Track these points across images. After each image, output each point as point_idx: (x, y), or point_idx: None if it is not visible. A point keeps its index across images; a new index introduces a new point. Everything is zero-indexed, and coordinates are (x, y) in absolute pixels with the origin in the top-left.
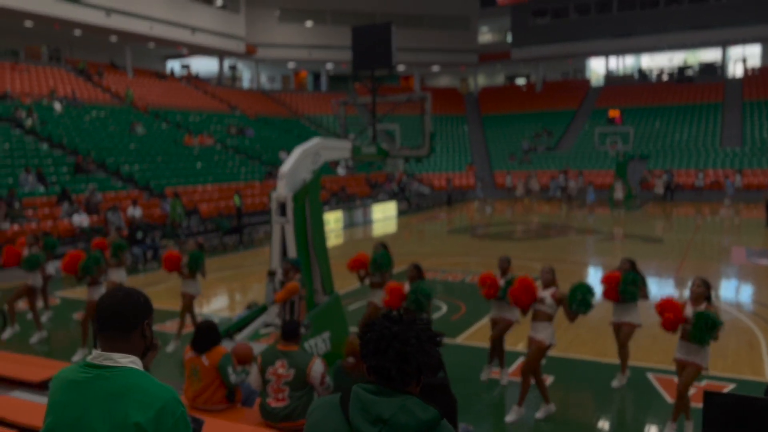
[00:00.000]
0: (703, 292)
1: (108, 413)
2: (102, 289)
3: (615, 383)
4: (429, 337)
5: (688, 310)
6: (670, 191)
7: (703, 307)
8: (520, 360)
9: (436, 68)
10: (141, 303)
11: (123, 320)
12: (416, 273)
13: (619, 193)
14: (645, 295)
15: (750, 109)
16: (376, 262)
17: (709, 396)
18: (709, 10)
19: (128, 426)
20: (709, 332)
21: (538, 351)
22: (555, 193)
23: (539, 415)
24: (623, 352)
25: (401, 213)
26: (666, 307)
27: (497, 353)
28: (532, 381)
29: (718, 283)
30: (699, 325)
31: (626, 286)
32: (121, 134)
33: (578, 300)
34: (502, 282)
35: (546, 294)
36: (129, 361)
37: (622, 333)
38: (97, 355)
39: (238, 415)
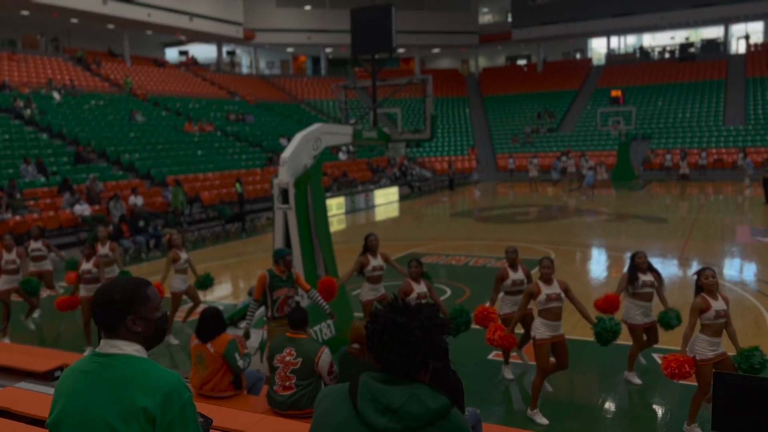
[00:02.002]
0: (717, 282)
1: (115, 400)
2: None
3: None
4: (435, 326)
5: (715, 304)
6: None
7: (719, 298)
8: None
9: (436, 50)
10: (116, 301)
11: (102, 321)
12: (420, 270)
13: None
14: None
15: (753, 86)
16: None
17: (718, 376)
18: None
19: (135, 411)
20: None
21: (565, 346)
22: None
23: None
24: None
25: (403, 197)
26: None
27: (524, 337)
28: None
29: (723, 262)
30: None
31: (670, 320)
32: (120, 123)
33: (611, 332)
34: (518, 275)
35: (557, 290)
36: (134, 349)
37: (656, 330)
38: (103, 344)
39: (244, 403)
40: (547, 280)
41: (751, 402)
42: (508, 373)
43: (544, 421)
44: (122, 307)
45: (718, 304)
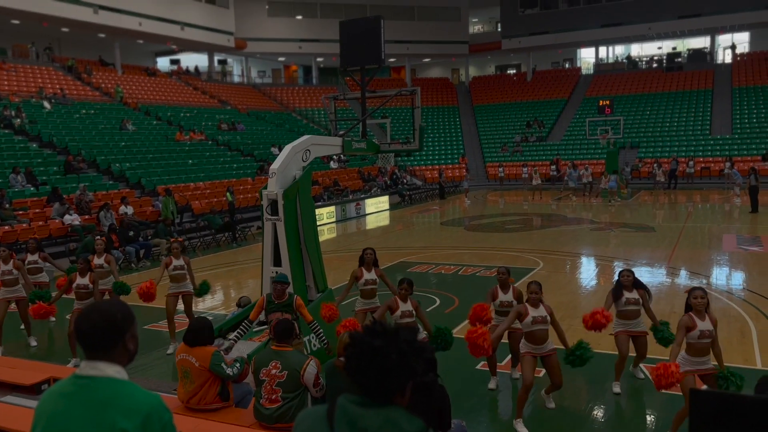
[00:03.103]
0: (706, 302)
1: (95, 422)
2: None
3: (617, 389)
4: (413, 350)
5: (701, 324)
6: (675, 179)
7: (706, 318)
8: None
9: (427, 59)
10: (119, 320)
11: (101, 342)
12: (409, 291)
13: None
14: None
15: (739, 96)
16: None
17: (695, 394)
18: None
19: None
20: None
21: (555, 360)
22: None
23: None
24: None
25: (394, 206)
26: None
27: (513, 358)
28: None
29: (709, 271)
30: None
31: (662, 333)
32: (111, 132)
33: (577, 356)
34: (507, 296)
35: (544, 313)
36: (114, 370)
37: (644, 343)
38: (84, 366)
39: (232, 416)
40: (535, 304)
41: (728, 419)
42: (492, 384)
43: (524, 431)
44: (123, 326)
45: (704, 324)
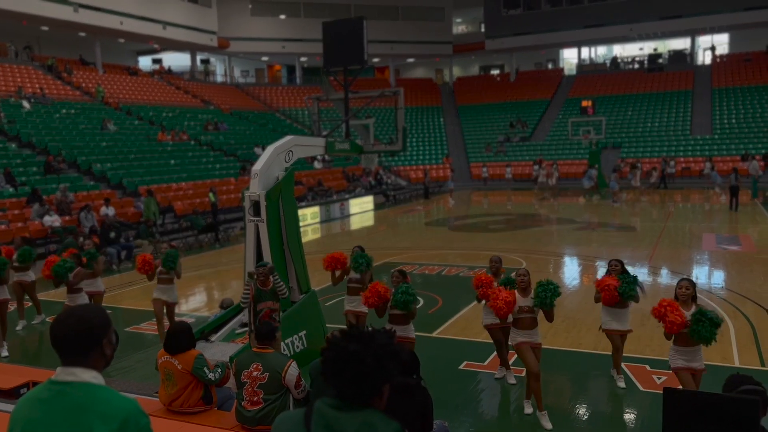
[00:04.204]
0: (692, 293)
1: (72, 428)
2: (83, 297)
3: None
4: (389, 353)
5: (685, 315)
6: (664, 179)
7: (693, 308)
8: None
9: (411, 60)
10: (95, 326)
11: (77, 347)
12: (401, 279)
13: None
14: (637, 297)
15: (719, 96)
16: (357, 261)
17: (668, 392)
18: None
19: None
20: (715, 329)
21: (539, 352)
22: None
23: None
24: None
25: (379, 206)
26: (667, 310)
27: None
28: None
29: (689, 270)
30: (705, 324)
31: (627, 286)
32: (92, 132)
33: (546, 299)
34: (496, 283)
35: (531, 303)
36: (91, 376)
37: (620, 339)
38: (60, 372)
39: (213, 419)
40: (524, 290)
41: (701, 417)
42: (511, 378)
43: (548, 425)
44: (100, 332)
45: (688, 315)
